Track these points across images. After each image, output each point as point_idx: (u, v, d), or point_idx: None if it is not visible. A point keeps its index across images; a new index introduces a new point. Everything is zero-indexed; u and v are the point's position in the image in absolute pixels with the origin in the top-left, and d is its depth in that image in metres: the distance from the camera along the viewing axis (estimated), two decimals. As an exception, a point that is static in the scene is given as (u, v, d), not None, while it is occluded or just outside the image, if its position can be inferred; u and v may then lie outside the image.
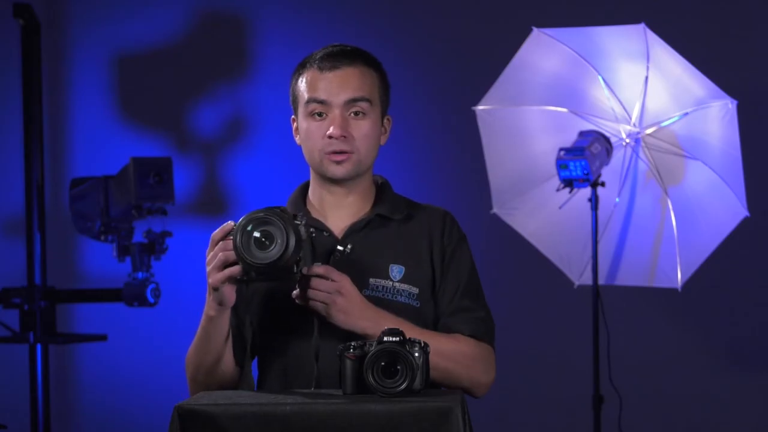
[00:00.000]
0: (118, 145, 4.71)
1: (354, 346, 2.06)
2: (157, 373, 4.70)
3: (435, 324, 2.32)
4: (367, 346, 2.05)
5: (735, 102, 3.63)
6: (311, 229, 2.20)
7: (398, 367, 2.00)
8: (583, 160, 3.67)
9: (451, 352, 2.25)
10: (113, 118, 4.80)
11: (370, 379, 2.00)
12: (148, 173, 4.09)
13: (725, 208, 3.72)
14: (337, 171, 2.31)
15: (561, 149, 3.73)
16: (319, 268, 2.17)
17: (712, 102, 3.67)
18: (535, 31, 3.82)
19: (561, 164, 3.70)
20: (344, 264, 2.28)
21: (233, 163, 4.71)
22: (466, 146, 4.35)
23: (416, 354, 2.03)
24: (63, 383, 4.80)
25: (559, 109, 3.89)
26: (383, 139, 2.38)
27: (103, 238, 4.23)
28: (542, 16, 4.22)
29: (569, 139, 3.80)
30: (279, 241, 2.06)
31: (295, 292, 2.18)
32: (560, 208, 3.88)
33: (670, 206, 3.81)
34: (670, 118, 3.79)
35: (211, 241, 2.18)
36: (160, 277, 4.23)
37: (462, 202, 4.51)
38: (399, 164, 4.61)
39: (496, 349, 2.35)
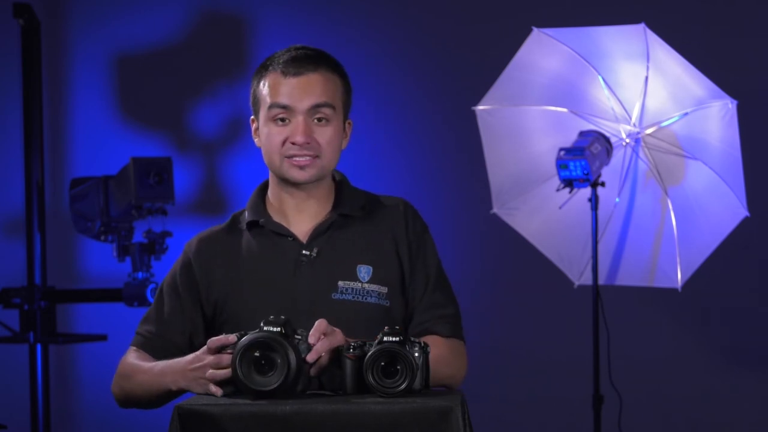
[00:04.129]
0: (118, 145, 4.71)
1: (354, 346, 2.06)
2: (157, 373, 4.69)
3: (405, 320, 2.32)
4: (367, 346, 2.05)
5: (735, 102, 3.63)
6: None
7: (398, 367, 2.00)
8: (583, 160, 3.66)
9: (435, 358, 2.21)
10: (113, 118, 4.80)
11: (370, 379, 1.99)
12: (148, 173, 4.08)
13: (725, 208, 3.71)
14: (300, 175, 2.30)
15: (561, 149, 3.72)
16: (312, 354, 2.09)
17: (712, 102, 3.67)
18: (535, 31, 3.82)
19: (561, 164, 3.70)
20: (311, 268, 2.28)
21: (233, 163, 4.70)
22: (466, 146, 4.35)
23: (416, 354, 2.03)
24: (63, 383, 4.80)
25: (559, 109, 3.89)
26: (344, 143, 2.36)
27: (103, 238, 4.23)
28: (542, 16, 4.22)
29: (569, 139, 3.79)
30: (282, 372, 2.00)
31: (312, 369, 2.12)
32: (560, 208, 3.88)
33: (670, 206, 3.81)
34: (670, 118, 3.79)
35: (207, 347, 2.11)
36: (160, 277, 4.22)
37: (462, 202, 4.51)
38: (399, 164, 4.61)
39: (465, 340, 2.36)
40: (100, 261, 4.72)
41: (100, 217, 4.18)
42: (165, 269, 4.31)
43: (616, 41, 3.79)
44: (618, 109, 3.84)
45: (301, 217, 2.35)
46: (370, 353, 2.01)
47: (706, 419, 4.42)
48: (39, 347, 4.30)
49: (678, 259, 3.78)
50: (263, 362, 1.99)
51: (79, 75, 4.83)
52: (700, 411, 4.42)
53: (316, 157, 2.29)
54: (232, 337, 2.07)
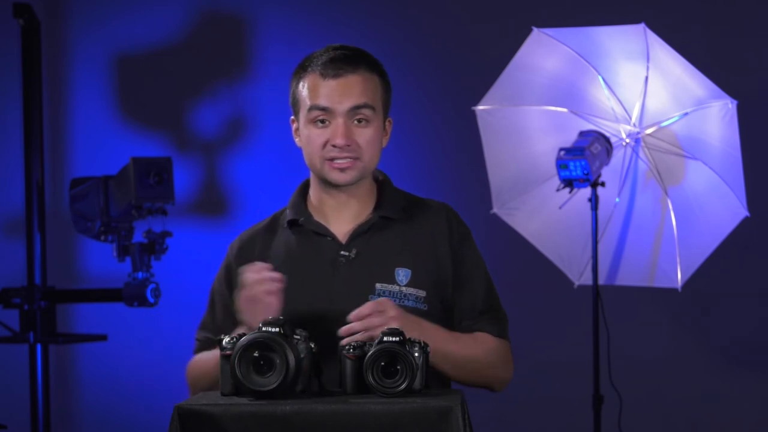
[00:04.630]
0: (118, 145, 4.71)
1: (354, 346, 2.06)
2: (157, 373, 4.70)
3: (442, 324, 2.30)
4: (367, 346, 2.05)
5: (735, 102, 3.63)
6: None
7: (398, 367, 2.00)
8: (583, 160, 3.66)
9: (484, 354, 2.27)
10: (113, 118, 4.80)
11: (370, 379, 1.99)
12: (148, 173, 4.08)
13: (725, 208, 3.71)
14: (341, 178, 2.29)
15: (561, 149, 3.72)
16: (352, 326, 2.13)
17: (712, 102, 3.67)
18: (535, 31, 3.82)
19: (561, 164, 3.70)
20: (349, 269, 2.27)
21: (233, 163, 4.70)
22: (466, 146, 4.35)
23: (416, 354, 2.03)
24: (63, 383, 4.80)
25: (559, 109, 3.89)
26: (384, 142, 2.36)
27: (103, 238, 4.23)
28: (542, 16, 4.22)
29: (569, 139, 3.80)
30: (281, 370, 2.01)
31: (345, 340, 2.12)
32: (560, 208, 3.88)
33: (670, 206, 3.81)
34: (670, 118, 3.79)
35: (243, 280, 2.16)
36: (160, 277, 4.23)
37: (462, 202, 4.49)
38: (399, 164, 4.61)
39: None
40: (100, 261, 4.72)
41: (100, 217, 4.18)
42: (165, 269, 4.36)
43: (616, 41, 3.79)
44: (618, 109, 3.84)
45: (341, 217, 2.34)
46: (370, 353, 2.01)
47: (706, 419, 4.42)
48: (39, 347, 4.30)
49: (678, 259, 3.78)
50: (262, 362, 1.99)
51: (79, 75, 4.83)
52: (700, 411, 4.42)
53: (357, 158, 2.28)
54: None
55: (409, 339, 2.04)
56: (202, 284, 4.71)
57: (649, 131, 3.83)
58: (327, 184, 2.33)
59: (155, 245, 4.16)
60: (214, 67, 4.76)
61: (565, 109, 3.89)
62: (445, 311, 2.33)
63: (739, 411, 4.39)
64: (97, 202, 4.18)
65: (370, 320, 2.13)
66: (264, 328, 2.00)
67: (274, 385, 1.98)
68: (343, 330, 2.14)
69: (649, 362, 4.43)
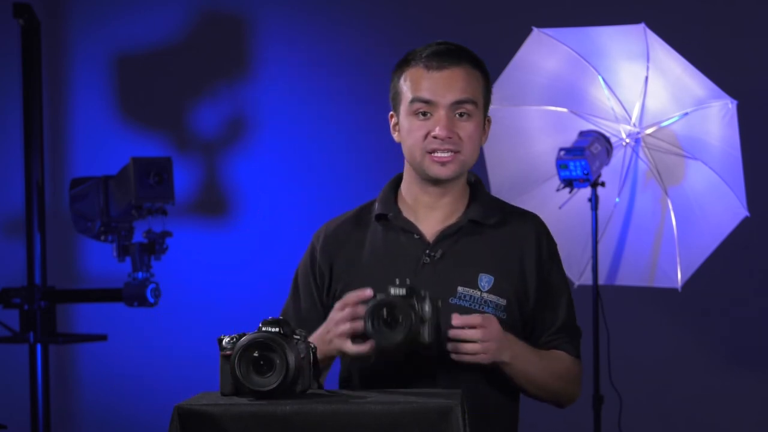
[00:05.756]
0: (118, 145, 4.71)
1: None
2: (157, 373, 4.70)
3: (521, 336, 2.30)
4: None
5: (735, 102, 3.63)
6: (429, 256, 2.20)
7: (399, 318, 2.05)
8: (583, 160, 3.66)
9: (564, 373, 2.29)
10: (113, 118, 4.80)
11: (369, 326, 2.03)
12: (148, 173, 4.08)
13: (725, 208, 3.71)
14: (441, 172, 2.28)
15: (561, 149, 3.73)
16: (460, 332, 2.15)
17: (712, 102, 3.67)
18: (535, 31, 3.82)
19: (561, 164, 3.70)
20: (433, 269, 2.27)
21: (233, 163, 4.70)
22: (466, 146, 4.35)
23: (426, 309, 2.08)
24: (63, 383, 4.80)
25: (559, 109, 3.89)
26: (483, 140, 2.36)
27: (103, 238, 4.23)
28: (542, 16, 4.22)
29: (569, 139, 3.80)
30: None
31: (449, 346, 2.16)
32: (560, 208, 3.88)
33: (670, 206, 3.81)
34: (670, 118, 3.79)
35: (342, 301, 2.16)
36: (160, 277, 4.23)
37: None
38: (399, 164, 4.60)
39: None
40: (100, 261, 4.72)
41: (100, 217, 4.18)
42: (165, 269, 4.36)
43: (616, 41, 3.79)
44: (618, 109, 3.84)
45: (431, 216, 2.33)
46: (370, 303, 2.06)
47: (706, 419, 4.42)
48: (39, 347, 4.30)
49: (678, 259, 3.78)
50: (262, 362, 1.99)
51: (79, 75, 4.83)
52: (700, 411, 4.42)
53: (457, 152, 2.27)
54: (368, 291, 2.12)
55: (420, 293, 2.07)
56: (203, 284, 4.74)
57: (649, 131, 3.83)
58: (424, 179, 2.32)
59: (155, 245, 4.16)
60: (214, 67, 4.76)
61: (565, 109, 3.89)
62: (523, 322, 2.32)
63: (739, 411, 4.39)
64: (97, 202, 4.18)
65: (475, 333, 2.15)
66: (264, 328, 2.01)
67: (274, 385, 1.98)
68: (452, 333, 2.16)
69: (649, 362, 4.43)
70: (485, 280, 2.28)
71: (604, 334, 3.86)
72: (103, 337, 4.39)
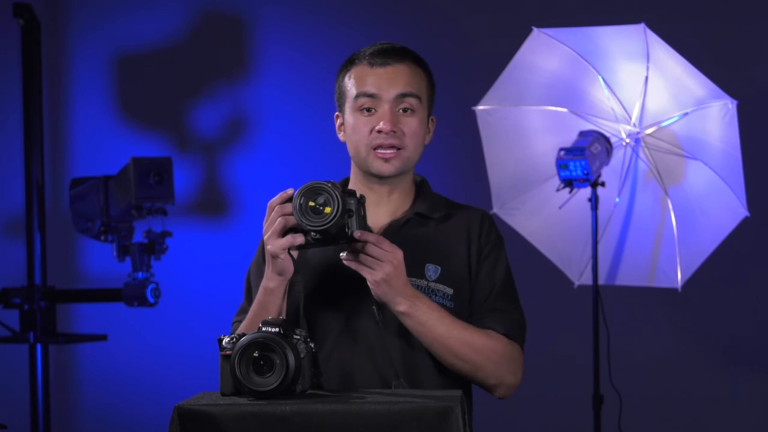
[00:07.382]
0: (118, 145, 4.71)
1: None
2: (157, 373, 4.70)
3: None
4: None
5: (735, 102, 3.63)
6: (361, 196, 2.18)
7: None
8: (583, 160, 3.67)
9: (482, 346, 2.25)
10: (113, 118, 4.80)
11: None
12: (148, 173, 4.09)
13: (725, 208, 3.71)
14: (384, 168, 2.31)
15: (561, 149, 3.73)
16: (372, 236, 2.15)
17: (712, 102, 3.67)
18: (535, 31, 3.82)
19: (561, 164, 3.70)
20: None
21: (233, 163, 4.71)
22: (466, 146, 4.35)
23: (351, 201, 2.09)
24: (63, 383, 4.81)
25: (559, 109, 3.89)
26: (427, 139, 2.40)
27: (103, 238, 4.24)
28: (542, 16, 4.22)
29: (569, 139, 3.80)
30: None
31: (343, 253, 2.17)
32: (560, 208, 3.88)
33: (670, 206, 3.81)
34: (670, 118, 3.79)
35: (268, 208, 2.16)
36: (160, 277, 4.23)
37: (462, 202, 4.51)
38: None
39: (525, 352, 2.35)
40: (100, 261, 4.73)
41: (100, 217, 4.18)
42: (165, 269, 4.36)
43: (616, 41, 3.79)
44: (618, 109, 3.84)
45: (378, 212, 2.36)
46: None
47: (706, 419, 4.42)
48: (39, 347, 4.30)
49: (678, 259, 3.78)
50: (262, 363, 2.00)
51: (79, 75, 4.83)
52: (700, 411, 4.42)
53: (401, 148, 2.31)
54: (289, 191, 2.12)
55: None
56: (202, 284, 4.75)
57: (649, 131, 3.83)
58: (369, 176, 2.34)
59: (155, 245, 4.16)
60: (214, 67, 4.76)
61: (565, 109, 3.89)
62: (471, 311, 2.34)
63: (739, 411, 4.39)
64: (97, 202, 4.19)
65: (372, 249, 2.14)
66: (264, 328, 2.01)
67: (274, 385, 1.99)
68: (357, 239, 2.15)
69: (649, 362, 4.43)
70: (432, 270, 2.31)
71: (604, 334, 3.86)
72: (103, 337, 4.40)
